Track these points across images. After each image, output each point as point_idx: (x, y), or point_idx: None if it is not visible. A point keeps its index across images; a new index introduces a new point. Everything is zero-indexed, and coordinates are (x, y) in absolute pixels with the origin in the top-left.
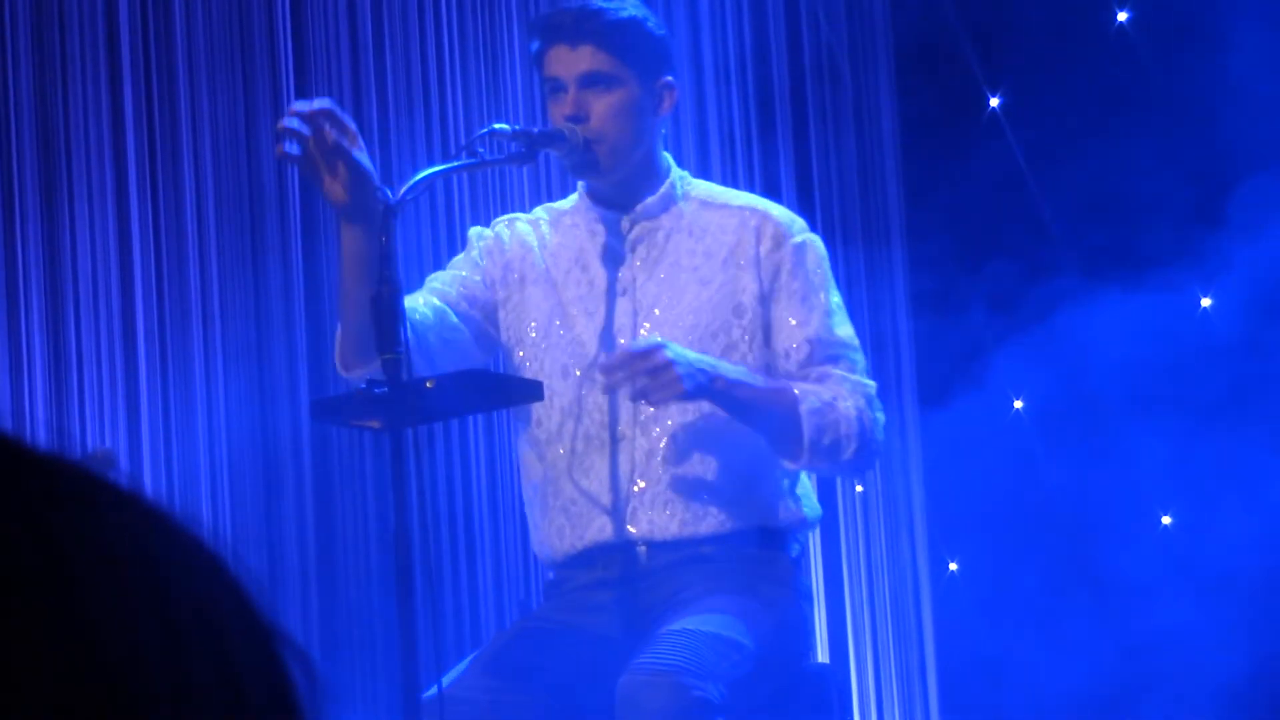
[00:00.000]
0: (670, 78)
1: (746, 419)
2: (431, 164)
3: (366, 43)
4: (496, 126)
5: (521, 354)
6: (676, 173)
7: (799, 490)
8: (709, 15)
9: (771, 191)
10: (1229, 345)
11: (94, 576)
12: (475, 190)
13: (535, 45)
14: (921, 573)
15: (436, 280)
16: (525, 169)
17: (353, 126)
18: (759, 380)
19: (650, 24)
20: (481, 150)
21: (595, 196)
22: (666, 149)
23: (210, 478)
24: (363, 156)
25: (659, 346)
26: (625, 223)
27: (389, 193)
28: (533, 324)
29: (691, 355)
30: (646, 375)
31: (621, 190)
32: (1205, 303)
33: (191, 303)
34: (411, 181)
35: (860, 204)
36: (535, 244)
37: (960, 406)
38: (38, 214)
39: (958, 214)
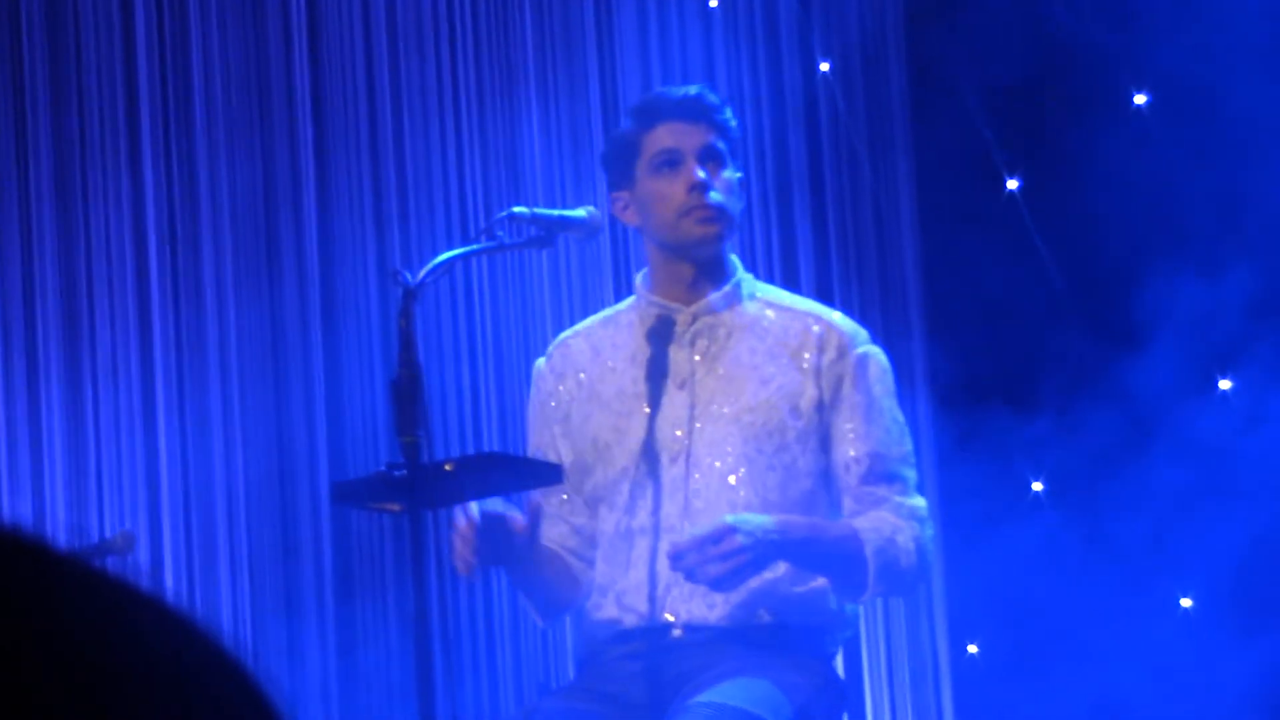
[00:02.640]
0: (741, 173)
1: (816, 571)
2: (451, 247)
3: (386, 124)
4: (515, 210)
5: (583, 454)
6: (743, 273)
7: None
8: (728, 98)
9: (789, 278)
10: (1244, 423)
11: (117, 682)
12: (495, 273)
13: (640, 123)
14: (941, 654)
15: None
16: (545, 252)
17: (476, 519)
18: (826, 531)
19: (725, 106)
20: (500, 234)
21: (659, 289)
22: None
23: (230, 561)
24: (494, 538)
25: (731, 530)
26: (686, 316)
27: (408, 275)
28: (592, 432)
29: (758, 522)
30: (719, 560)
31: (689, 282)
32: (1225, 385)
33: (210, 383)
34: (431, 265)
35: (879, 291)
36: (588, 357)
37: (979, 487)
38: (57, 292)
39: (977, 297)
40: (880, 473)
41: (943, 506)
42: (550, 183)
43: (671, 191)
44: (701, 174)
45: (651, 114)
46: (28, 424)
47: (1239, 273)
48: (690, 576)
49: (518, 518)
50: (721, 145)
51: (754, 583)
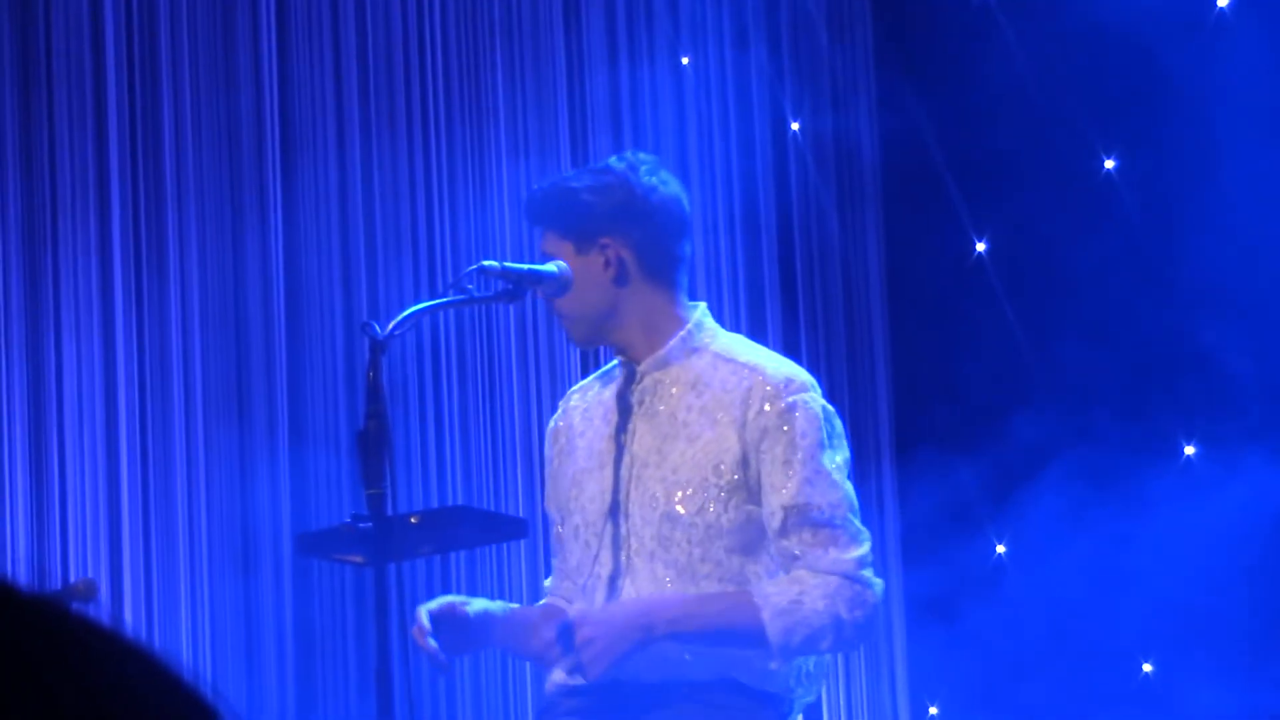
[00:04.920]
0: (607, 239)
1: (708, 644)
2: (420, 300)
3: (355, 177)
4: (485, 264)
5: (561, 510)
6: (698, 323)
7: (805, 664)
8: (697, 156)
9: (757, 335)
10: (1207, 488)
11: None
12: (463, 326)
13: None
14: (902, 716)
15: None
16: (513, 306)
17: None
18: (713, 604)
19: (581, 186)
20: (470, 287)
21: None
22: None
23: (191, 612)
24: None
25: (580, 623)
26: (639, 373)
27: (377, 328)
28: (565, 489)
29: (623, 613)
30: (571, 655)
31: (631, 345)
32: (1189, 451)
33: (175, 431)
34: (400, 317)
35: (846, 348)
36: (580, 413)
37: (943, 550)
38: (22, 340)
39: (944, 357)
40: (798, 524)
41: (905, 568)
42: (519, 237)
43: None
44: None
45: None
46: None
47: (1209, 336)
48: (579, 690)
49: (459, 605)
50: (552, 247)
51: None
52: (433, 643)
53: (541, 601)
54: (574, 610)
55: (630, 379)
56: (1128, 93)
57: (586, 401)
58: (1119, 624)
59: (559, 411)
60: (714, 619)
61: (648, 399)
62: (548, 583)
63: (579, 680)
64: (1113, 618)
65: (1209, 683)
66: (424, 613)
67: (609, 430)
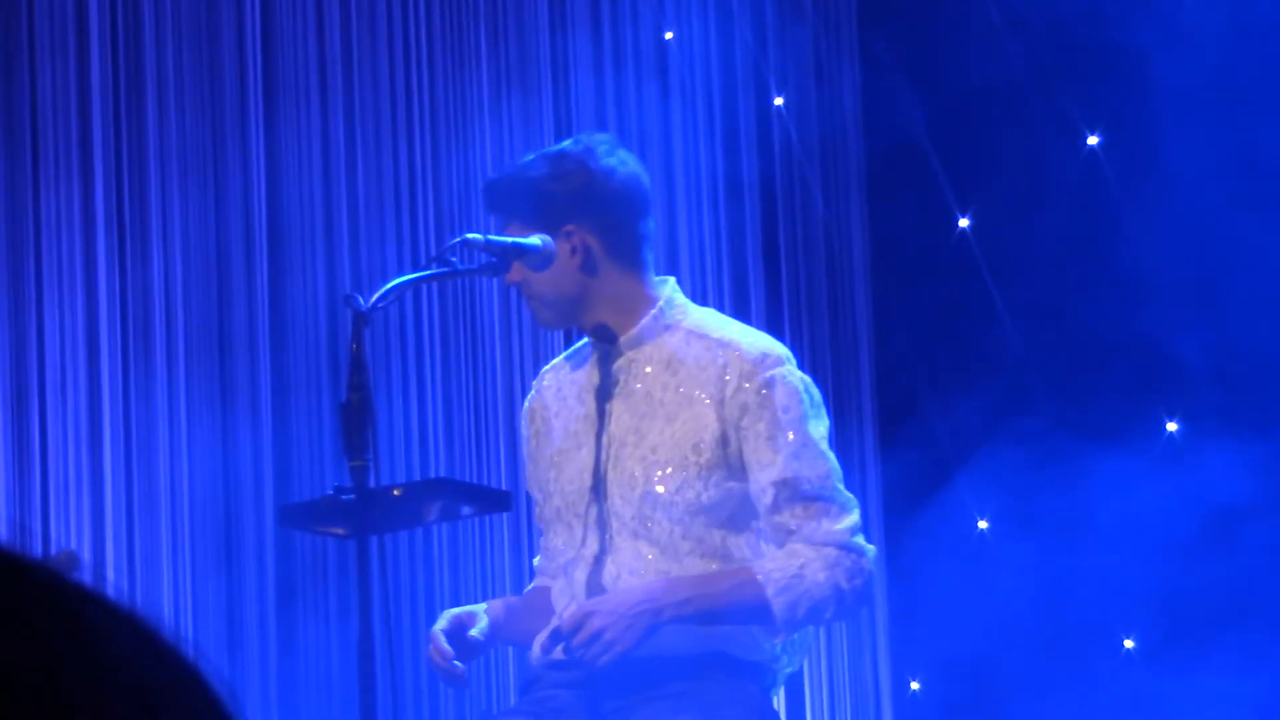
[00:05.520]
0: (571, 226)
1: (716, 623)
2: (403, 272)
3: (339, 148)
4: (469, 236)
5: (541, 489)
6: (669, 300)
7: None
8: (682, 137)
9: (740, 312)
10: (1190, 467)
11: (81, 678)
12: (445, 299)
13: None
14: (884, 691)
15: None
16: (497, 279)
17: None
18: (718, 583)
19: (540, 175)
20: (454, 259)
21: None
22: (671, 272)
23: (173, 582)
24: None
25: (588, 614)
26: (614, 352)
27: (360, 300)
28: (544, 469)
29: (631, 599)
30: (585, 648)
31: (604, 325)
32: (1171, 427)
33: (157, 401)
34: (383, 290)
35: (830, 326)
36: (553, 393)
37: (924, 526)
38: (4, 307)
39: (926, 333)
40: (790, 499)
41: (887, 542)
42: None
43: None
44: (510, 279)
45: None
46: None
47: (1190, 314)
48: (566, 662)
49: (474, 616)
50: (515, 233)
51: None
52: (459, 664)
53: (530, 586)
54: (571, 607)
55: (604, 358)
56: (1111, 68)
57: (559, 381)
58: (1101, 600)
59: (532, 392)
60: (719, 599)
61: (623, 378)
62: (537, 561)
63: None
64: (1094, 593)
65: (1191, 660)
66: (442, 637)
67: (584, 410)
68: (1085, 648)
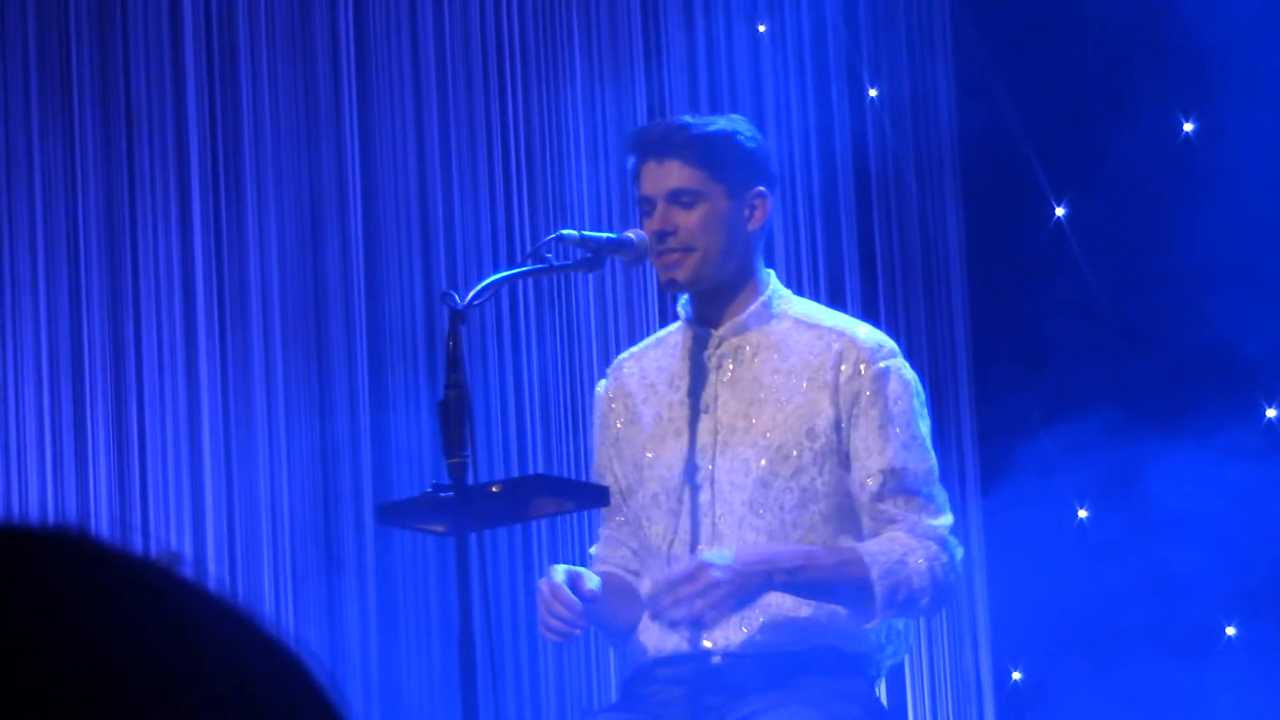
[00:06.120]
0: (762, 189)
1: (817, 597)
2: (498, 269)
3: (434, 147)
4: (564, 232)
5: (628, 476)
6: (775, 290)
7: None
8: (774, 123)
9: (836, 300)
10: None
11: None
12: (541, 295)
13: (630, 162)
14: (985, 681)
15: (613, 549)
16: (591, 275)
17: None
18: (824, 557)
19: (742, 136)
20: (549, 256)
21: (695, 311)
22: (769, 265)
23: (274, 582)
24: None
25: (705, 566)
26: (715, 338)
27: (456, 297)
28: (634, 455)
29: (747, 556)
30: (697, 598)
31: (714, 305)
32: (1270, 414)
33: (255, 401)
34: (479, 287)
35: (925, 317)
36: (636, 379)
37: (1024, 514)
38: (104, 313)
39: (1024, 322)
40: (895, 489)
41: (987, 532)
42: (598, 206)
43: (649, 235)
44: (659, 224)
45: (634, 154)
46: (73, 442)
47: None
48: (659, 616)
49: (585, 577)
50: (692, 183)
51: (803, 610)
52: (578, 604)
53: (592, 571)
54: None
55: (697, 345)
56: (1207, 54)
57: (642, 368)
58: (1202, 587)
59: (609, 379)
60: (826, 572)
61: (725, 364)
62: (594, 550)
63: (684, 647)
64: (1195, 581)
65: None
66: (566, 589)
67: (678, 397)
68: (1187, 636)
